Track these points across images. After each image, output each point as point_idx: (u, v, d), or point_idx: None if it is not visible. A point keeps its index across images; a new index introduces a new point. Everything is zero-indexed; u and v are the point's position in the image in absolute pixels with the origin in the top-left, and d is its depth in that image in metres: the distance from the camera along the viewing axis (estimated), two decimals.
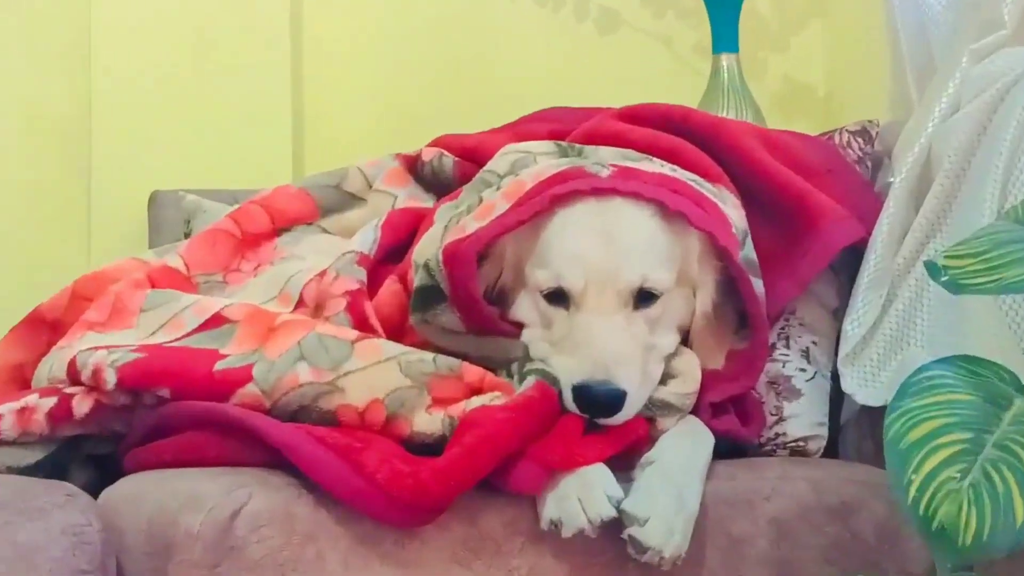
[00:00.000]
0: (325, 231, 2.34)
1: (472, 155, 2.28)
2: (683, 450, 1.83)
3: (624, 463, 1.81)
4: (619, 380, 1.81)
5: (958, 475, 1.25)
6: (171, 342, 2.04)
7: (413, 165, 2.36)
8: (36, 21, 2.94)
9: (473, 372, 1.88)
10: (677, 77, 3.03)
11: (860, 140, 2.24)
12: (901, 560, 1.85)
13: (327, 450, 1.73)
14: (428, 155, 2.34)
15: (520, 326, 1.96)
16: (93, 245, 2.86)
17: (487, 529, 1.76)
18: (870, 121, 2.29)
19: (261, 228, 2.33)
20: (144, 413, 1.96)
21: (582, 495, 1.71)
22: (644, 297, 1.89)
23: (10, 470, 1.95)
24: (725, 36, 2.82)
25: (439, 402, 1.84)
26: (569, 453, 1.75)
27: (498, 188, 2.01)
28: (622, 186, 1.91)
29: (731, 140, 2.11)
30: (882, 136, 2.26)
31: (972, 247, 1.46)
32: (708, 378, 1.93)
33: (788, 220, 2.05)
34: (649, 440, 1.85)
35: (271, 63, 2.97)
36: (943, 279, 1.43)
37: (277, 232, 2.33)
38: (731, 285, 1.95)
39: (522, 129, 2.31)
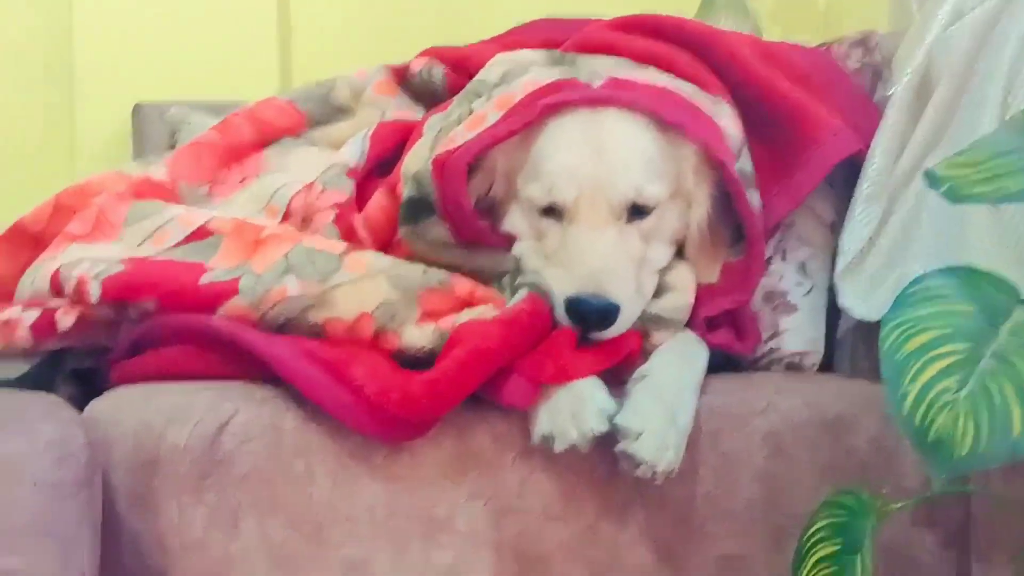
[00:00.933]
0: (313, 143, 2.31)
1: (463, 65, 2.24)
2: (677, 364, 1.82)
3: (617, 378, 1.80)
4: (612, 293, 1.80)
5: (955, 386, 1.24)
6: (156, 255, 2.01)
7: (402, 76, 2.34)
8: None
9: (464, 285, 1.87)
10: None
11: (859, 50, 2.22)
12: (896, 476, 1.85)
13: (314, 363, 1.73)
14: (417, 65, 2.32)
15: (512, 239, 1.94)
16: (77, 158, 2.84)
17: (477, 444, 1.76)
18: (870, 31, 2.25)
19: (247, 140, 2.29)
20: (129, 326, 1.95)
21: (574, 409, 1.71)
22: (637, 210, 1.87)
23: None
24: None
25: (429, 315, 1.83)
26: (561, 367, 1.75)
27: (489, 98, 1.98)
28: (616, 96, 1.89)
29: (727, 50, 2.07)
30: (882, 47, 2.23)
31: (972, 156, 1.44)
32: (703, 292, 1.92)
33: (785, 132, 2.02)
34: (643, 354, 1.84)
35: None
36: (942, 188, 1.42)
37: (264, 144, 2.30)
38: (726, 198, 1.93)
39: (513, 39, 2.27)
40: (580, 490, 1.78)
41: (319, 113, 2.34)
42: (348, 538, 1.73)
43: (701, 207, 1.94)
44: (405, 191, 1.96)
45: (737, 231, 1.97)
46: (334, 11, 3.03)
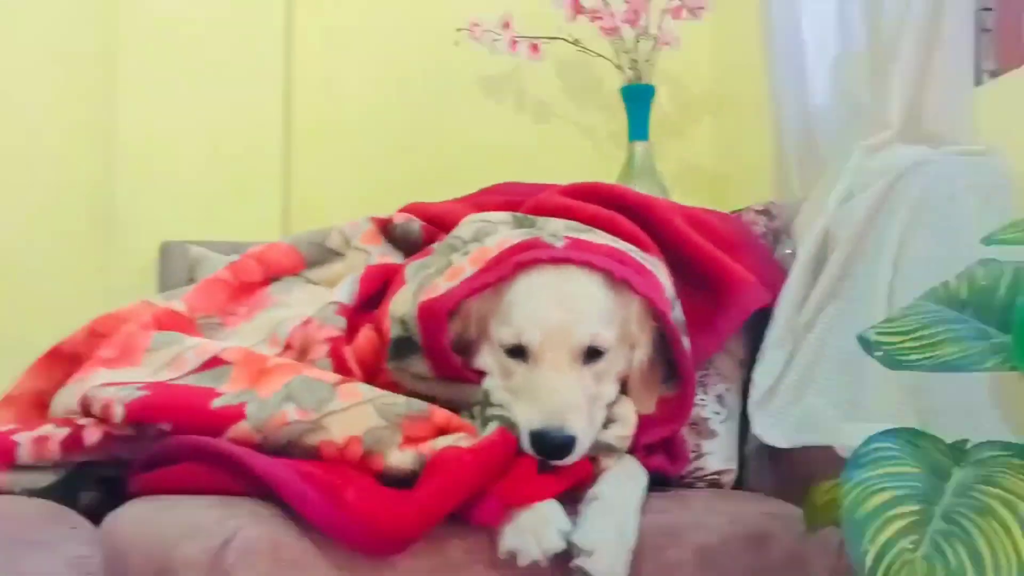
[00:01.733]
0: (309, 281, 2.08)
1: (437, 220, 2.04)
2: (622, 487, 1.59)
3: (571, 496, 1.56)
4: (571, 427, 1.56)
5: (911, 546, 1.05)
6: (174, 380, 1.76)
7: (385, 227, 2.11)
8: (62, 92, 2.68)
9: (440, 414, 1.62)
10: (598, 159, 2.86)
11: (764, 218, 2.02)
12: None
13: (312, 486, 1.48)
14: (398, 219, 2.10)
15: (482, 374, 1.69)
16: (111, 287, 2.60)
17: (452, 556, 1.51)
18: (771, 202, 2.05)
19: (255, 278, 2.06)
20: (148, 443, 1.67)
21: (536, 529, 1.47)
22: (592, 353, 1.65)
23: (26, 492, 1.69)
24: (638, 127, 2.65)
25: (410, 440, 1.58)
26: (525, 491, 1.51)
27: (465, 253, 1.75)
28: (576, 256, 1.67)
29: (660, 216, 1.88)
30: (781, 214, 2.04)
31: (902, 325, 1.26)
32: (642, 422, 1.69)
33: (709, 286, 1.83)
34: (593, 477, 1.60)
35: (264, 144, 2.76)
36: (877, 354, 1.22)
37: (269, 281, 2.07)
38: (662, 342, 1.71)
39: (479, 200, 2.07)
40: None
41: (315, 256, 2.10)
42: None
43: (643, 349, 1.71)
44: (392, 331, 1.72)
45: (670, 368, 1.74)
46: (327, 172, 2.84)
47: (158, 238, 2.57)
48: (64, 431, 1.70)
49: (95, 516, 1.56)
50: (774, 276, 1.88)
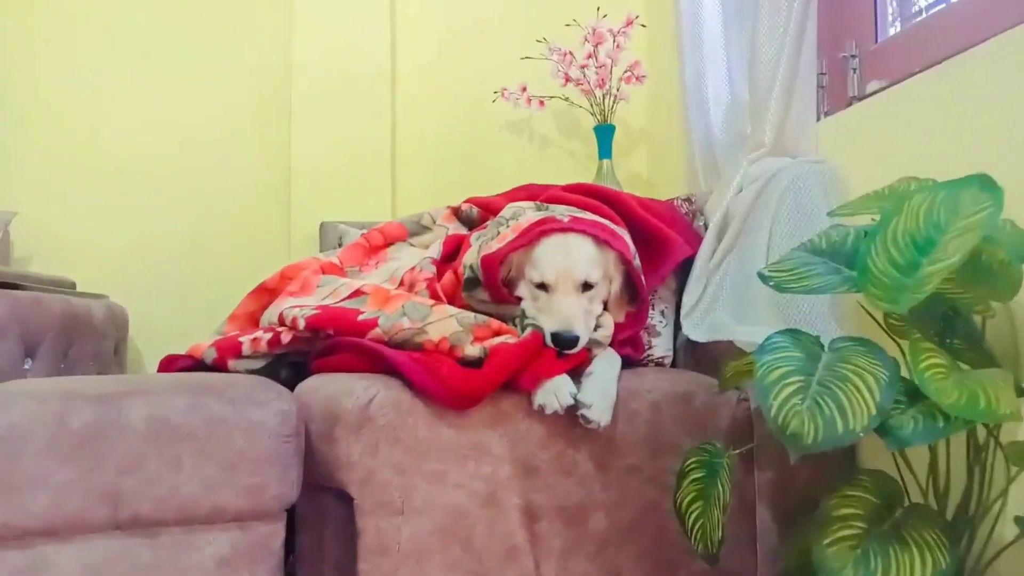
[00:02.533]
0: (412, 245, 2.01)
1: (488, 207, 1.95)
2: (607, 367, 1.55)
3: (575, 374, 1.52)
4: (575, 330, 1.52)
5: (799, 402, 0.99)
6: (334, 304, 1.71)
7: (456, 212, 2.04)
8: (256, 118, 2.59)
9: (496, 323, 1.58)
10: (580, 172, 2.74)
11: (687, 204, 1.95)
12: (716, 425, 1.57)
13: (419, 365, 1.44)
14: (464, 207, 2.03)
15: (520, 299, 1.64)
16: (291, 249, 2.53)
17: (504, 408, 1.47)
18: (691, 193, 1.99)
19: (379, 243, 2.00)
20: (320, 342, 1.65)
21: (556, 391, 1.45)
22: (586, 286, 1.60)
23: (247, 371, 1.67)
24: (605, 150, 2.53)
25: (478, 339, 1.54)
26: (548, 369, 1.48)
27: (507, 226, 1.70)
28: (576, 226, 1.61)
29: (624, 202, 1.81)
30: (698, 201, 1.97)
31: (784, 266, 1.19)
32: (617, 327, 1.64)
33: (654, 246, 1.76)
34: (588, 360, 1.56)
35: (380, 157, 2.62)
36: (770, 283, 1.15)
37: (387, 245, 2.01)
38: (628, 279, 1.66)
39: (512, 195, 1.98)
40: (556, 432, 1.48)
41: (415, 229, 2.03)
42: (435, 458, 1.43)
43: (616, 283, 1.66)
44: (465, 274, 1.66)
45: (632, 295, 1.69)
46: (419, 175, 2.74)
47: (318, 219, 2.49)
48: (269, 335, 1.67)
49: (290, 385, 1.53)
50: (694, 238, 1.82)
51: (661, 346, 1.78)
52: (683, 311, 1.75)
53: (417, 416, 1.41)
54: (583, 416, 1.42)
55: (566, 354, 1.51)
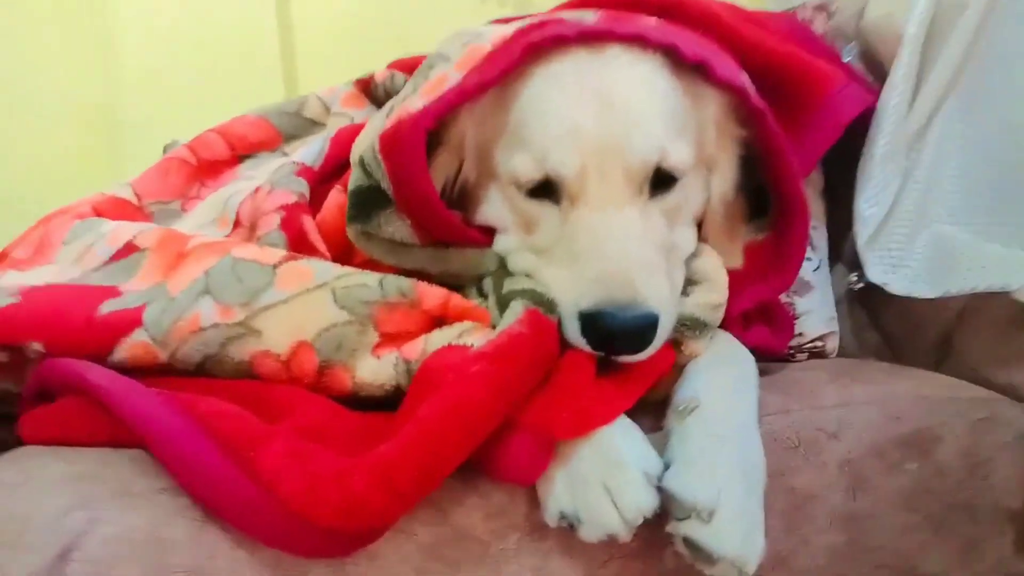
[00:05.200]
0: (288, 156, 0.99)
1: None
2: (729, 386, 0.59)
3: (646, 407, 0.57)
4: (646, 297, 0.55)
5: None
6: (78, 279, 0.76)
7: (367, 87, 1.03)
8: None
9: (433, 295, 0.62)
10: None
11: (822, 15, 0.96)
12: (993, 494, 0.64)
13: (209, 441, 0.48)
14: (381, 77, 1.02)
15: (492, 232, 0.67)
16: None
17: (465, 526, 0.53)
18: None
19: (220, 155, 1.02)
20: (31, 366, 0.67)
21: (606, 475, 0.50)
22: (661, 180, 0.61)
23: None
24: None
25: (390, 339, 0.60)
26: (581, 412, 0.51)
27: (448, 64, 0.70)
28: (618, 29, 0.62)
29: (703, 10, 0.78)
30: (841, 10, 0.96)
31: None
32: (732, 281, 0.66)
33: (789, 95, 0.75)
34: (674, 372, 0.60)
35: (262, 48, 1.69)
36: None
37: (239, 159, 1.03)
38: (748, 163, 0.68)
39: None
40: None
41: (292, 127, 1.04)
42: None
43: (726, 174, 0.67)
44: (351, 181, 0.68)
45: (758, 202, 0.71)
46: (328, 72, 1.73)
47: (162, 142, 1.56)
48: None
49: None
50: (860, 79, 0.83)
51: (817, 312, 0.79)
52: (863, 231, 0.78)
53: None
54: (692, 545, 0.49)
55: (622, 363, 0.57)
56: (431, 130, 0.63)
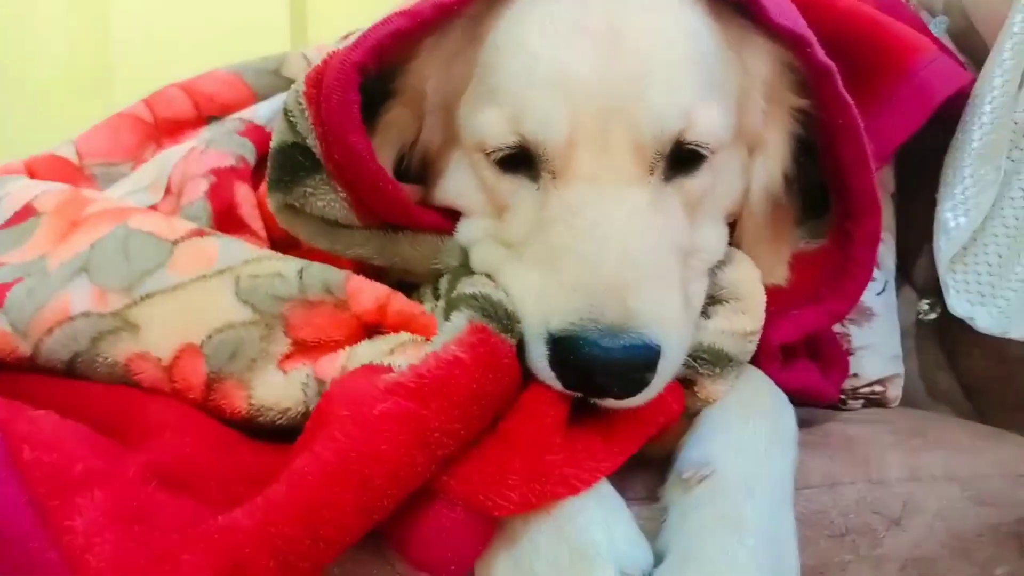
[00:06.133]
0: None
1: None
2: (757, 447, 0.40)
3: (641, 462, 0.40)
4: (647, 320, 0.37)
5: None
6: None
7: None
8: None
9: (368, 294, 0.45)
10: None
11: None
12: None
13: (14, 479, 0.33)
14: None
15: (455, 214, 0.49)
16: None
17: None
18: None
19: (182, 114, 0.84)
20: None
21: (568, 565, 0.30)
22: (682, 155, 0.43)
23: None
24: None
25: (303, 349, 0.44)
26: (538, 477, 0.35)
27: None
28: None
29: None
30: None
31: None
32: (772, 302, 0.47)
33: (865, 67, 0.56)
34: (682, 421, 0.42)
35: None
36: None
37: (205, 120, 0.84)
38: (804, 145, 0.50)
39: None
40: None
41: (270, 87, 0.84)
42: None
43: (775, 157, 0.49)
44: (273, 137, 0.50)
45: (812, 196, 0.52)
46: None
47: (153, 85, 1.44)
48: None
49: None
50: (950, 55, 0.64)
51: (879, 348, 0.61)
52: (946, 248, 0.60)
53: None
54: None
55: (606, 407, 0.39)
56: (386, 75, 0.48)
